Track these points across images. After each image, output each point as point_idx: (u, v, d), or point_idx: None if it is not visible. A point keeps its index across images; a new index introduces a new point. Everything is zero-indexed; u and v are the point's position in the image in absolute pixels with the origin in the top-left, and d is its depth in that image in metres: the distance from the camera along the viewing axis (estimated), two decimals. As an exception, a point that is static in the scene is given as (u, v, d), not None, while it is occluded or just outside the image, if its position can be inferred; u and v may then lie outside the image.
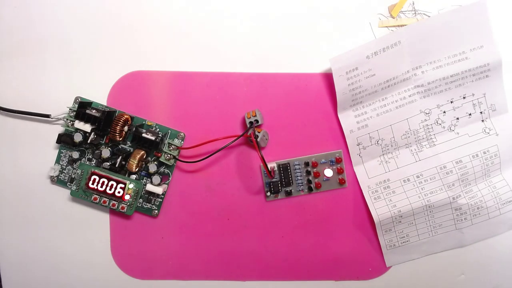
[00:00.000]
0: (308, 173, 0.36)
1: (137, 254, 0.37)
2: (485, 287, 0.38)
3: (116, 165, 0.34)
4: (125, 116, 0.34)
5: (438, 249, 0.37)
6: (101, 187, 0.34)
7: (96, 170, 0.34)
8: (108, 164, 0.35)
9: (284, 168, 0.35)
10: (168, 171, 0.36)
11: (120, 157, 0.34)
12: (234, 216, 0.36)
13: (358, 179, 0.36)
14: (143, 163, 0.35)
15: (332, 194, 0.36)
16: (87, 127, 0.34)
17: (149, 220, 0.37)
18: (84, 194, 0.35)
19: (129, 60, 0.36)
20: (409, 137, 0.35)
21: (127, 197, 0.34)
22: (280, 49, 0.35)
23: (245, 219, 0.36)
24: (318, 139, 0.36)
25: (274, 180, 0.35)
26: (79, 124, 0.34)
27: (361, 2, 0.35)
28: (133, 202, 0.34)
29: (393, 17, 0.35)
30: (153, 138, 0.34)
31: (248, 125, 0.34)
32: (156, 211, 0.36)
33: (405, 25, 0.35)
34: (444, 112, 0.35)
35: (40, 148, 0.36)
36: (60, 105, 0.35)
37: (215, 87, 0.36)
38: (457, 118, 0.35)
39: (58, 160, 0.36)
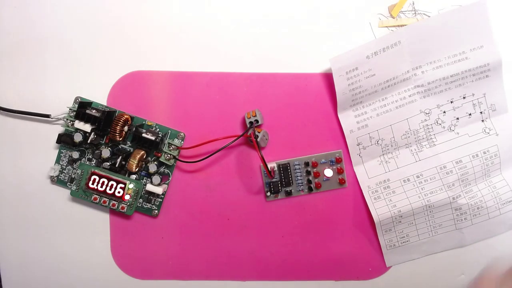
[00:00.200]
0: (308, 173, 0.36)
1: (137, 254, 0.37)
2: (485, 287, 0.38)
3: (116, 165, 0.34)
4: (125, 116, 0.34)
5: (438, 249, 0.37)
6: (101, 187, 0.34)
7: (96, 170, 0.34)
8: (108, 164, 0.35)
9: (284, 168, 0.35)
10: (168, 171, 0.36)
11: (120, 157, 0.34)
12: (234, 216, 0.36)
13: (358, 179, 0.36)
14: (143, 163, 0.35)
15: (332, 194, 0.36)
16: (87, 127, 0.34)
17: (149, 220, 0.37)
18: (84, 194, 0.35)
19: (129, 60, 0.36)
20: (409, 137, 0.35)
21: (127, 197, 0.34)
22: (280, 49, 0.35)
23: (245, 219, 0.36)
24: (318, 139, 0.36)
25: (274, 180, 0.35)
26: (79, 124, 0.34)
27: (361, 2, 0.35)
28: (133, 202, 0.34)
29: (393, 17, 0.35)
30: (153, 138, 0.34)
31: (248, 125, 0.34)
32: (156, 211, 0.36)
33: (405, 25, 0.35)
34: (444, 112, 0.35)
35: (40, 148, 0.36)
36: (60, 105, 0.35)
37: (215, 87, 0.36)
38: (457, 118, 0.35)
39: (58, 160, 0.36)
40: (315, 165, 0.36)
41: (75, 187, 0.36)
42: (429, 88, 0.34)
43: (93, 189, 0.34)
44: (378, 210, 0.36)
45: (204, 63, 0.36)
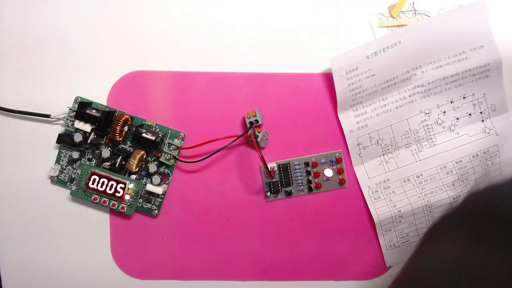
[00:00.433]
0: (308, 173, 0.36)
1: (137, 254, 0.37)
2: (485, 287, 0.38)
3: (116, 165, 0.34)
4: (125, 116, 0.34)
5: (438, 249, 0.37)
6: (101, 187, 0.34)
7: (96, 170, 0.34)
8: (108, 164, 0.35)
9: (284, 168, 0.35)
10: (168, 171, 0.36)
11: (120, 157, 0.34)
12: (234, 216, 0.36)
13: (358, 179, 0.36)
14: (143, 163, 0.35)
15: (332, 194, 0.36)
16: (87, 127, 0.34)
17: (149, 220, 0.37)
18: (84, 194, 0.35)
19: (129, 60, 0.36)
20: (409, 137, 0.35)
21: (127, 197, 0.34)
22: (280, 49, 0.35)
23: (245, 219, 0.36)
24: (318, 139, 0.36)
25: (274, 180, 0.35)
26: (79, 124, 0.34)
27: (361, 2, 0.35)
28: (133, 202, 0.34)
29: (393, 17, 0.35)
30: (153, 138, 0.34)
31: (248, 125, 0.34)
32: (156, 211, 0.36)
33: (405, 25, 0.35)
34: (444, 112, 0.35)
35: (40, 148, 0.36)
36: (60, 105, 0.35)
37: (215, 87, 0.36)
38: (457, 118, 0.35)
39: (58, 160, 0.36)
40: (315, 165, 0.36)
41: (75, 187, 0.36)
42: (429, 88, 0.34)
43: (93, 189, 0.34)
44: (378, 210, 0.36)
45: (204, 63, 0.36)
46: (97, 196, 0.34)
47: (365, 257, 0.37)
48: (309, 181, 0.36)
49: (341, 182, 0.36)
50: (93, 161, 0.36)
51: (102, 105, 0.36)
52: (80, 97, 0.35)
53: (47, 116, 0.35)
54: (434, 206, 0.36)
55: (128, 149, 0.36)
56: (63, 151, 0.36)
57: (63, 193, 0.37)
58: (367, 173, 0.36)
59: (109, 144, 0.35)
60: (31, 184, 0.37)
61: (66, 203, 0.37)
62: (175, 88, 0.36)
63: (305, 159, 0.36)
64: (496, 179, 0.36)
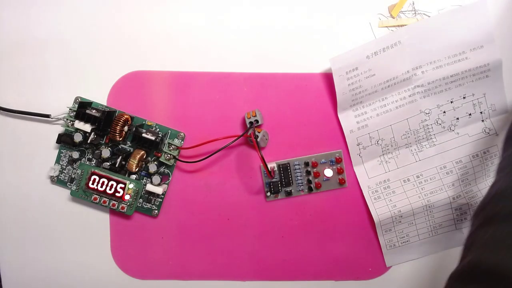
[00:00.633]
0: (308, 173, 0.36)
1: (137, 254, 0.37)
2: (485, 287, 0.38)
3: (116, 165, 0.34)
4: (125, 116, 0.34)
5: (438, 249, 0.37)
6: (101, 187, 0.34)
7: (96, 170, 0.34)
8: (108, 164, 0.35)
9: (284, 168, 0.35)
10: (168, 171, 0.36)
11: (120, 157, 0.34)
12: (234, 216, 0.36)
13: (358, 179, 0.36)
14: (143, 163, 0.35)
15: (332, 194, 0.36)
16: (87, 127, 0.34)
17: (149, 220, 0.37)
18: (84, 194, 0.35)
19: (129, 60, 0.36)
20: (409, 137, 0.35)
21: (127, 197, 0.34)
22: (280, 49, 0.35)
23: (245, 219, 0.36)
24: (318, 139, 0.36)
25: (274, 180, 0.35)
26: (79, 124, 0.34)
27: (361, 2, 0.35)
28: (133, 202, 0.34)
29: (393, 17, 0.35)
30: (153, 138, 0.34)
31: (248, 125, 0.34)
32: (156, 211, 0.36)
33: (405, 25, 0.35)
34: (444, 112, 0.35)
35: (40, 148, 0.36)
36: (60, 105, 0.35)
37: (215, 87, 0.36)
38: (457, 118, 0.35)
39: (58, 160, 0.36)
40: (315, 165, 0.36)
41: (75, 187, 0.36)
42: (429, 88, 0.34)
43: (93, 189, 0.34)
44: (378, 210, 0.36)
45: (204, 63, 0.36)
46: (97, 196, 0.34)
47: (365, 257, 0.37)
48: (309, 181, 0.36)
49: (341, 182, 0.36)
50: (93, 161, 0.36)
51: (102, 105, 0.35)
52: (80, 97, 0.35)
53: (47, 116, 0.35)
54: (434, 206, 0.36)
55: (128, 149, 0.36)
56: (63, 151, 0.36)
57: (63, 193, 0.37)
58: (367, 173, 0.36)
59: (109, 144, 0.35)
60: (31, 184, 0.37)
61: (66, 203, 0.37)
62: (175, 88, 0.36)
63: (305, 159, 0.36)
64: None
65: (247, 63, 0.36)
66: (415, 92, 0.34)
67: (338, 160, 0.36)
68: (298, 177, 0.36)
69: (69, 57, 0.36)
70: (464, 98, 0.35)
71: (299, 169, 0.36)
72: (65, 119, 0.35)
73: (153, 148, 0.34)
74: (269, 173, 0.34)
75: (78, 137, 0.34)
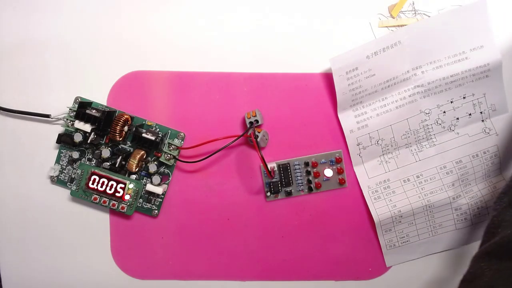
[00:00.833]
0: (308, 173, 0.36)
1: (137, 254, 0.37)
2: (485, 287, 0.38)
3: (116, 165, 0.34)
4: (125, 116, 0.34)
5: (438, 249, 0.37)
6: (101, 187, 0.34)
7: (96, 170, 0.34)
8: (108, 164, 0.35)
9: (284, 168, 0.35)
10: (168, 171, 0.36)
11: (120, 157, 0.34)
12: (234, 216, 0.36)
13: (358, 179, 0.36)
14: (143, 163, 0.35)
15: (332, 194, 0.36)
16: (87, 127, 0.34)
17: (149, 220, 0.37)
18: (84, 194, 0.35)
19: (129, 60, 0.36)
20: (409, 137, 0.35)
21: (127, 197, 0.34)
22: (280, 49, 0.35)
23: (245, 219, 0.36)
24: (318, 139, 0.36)
25: (274, 180, 0.35)
26: (79, 124, 0.34)
27: (361, 2, 0.35)
28: (133, 202, 0.34)
29: (393, 17, 0.35)
30: (153, 138, 0.34)
31: (248, 125, 0.34)
32: (156, 211, 0.36)
33: (405, 25, 0.35)
34: (444, 112, 0.35)
35: (40, 148, 0.36)
36: (60, 105, 0.35)
37: (215, 87, 0.36)
38: (457, 118, 0.35)
39: (58, 160, 0.36)
40: (315, 165, 0.36)
41: (75, 187, 0.36)
42: (429, 88, 0.34)
43: (93, 189, 0.34)
44: (378, 210, 0.36)
45: (204, 63, 0.36)
46: (97, 196, 0.34)
47: (365, 257, 0.37)
48: (309, 181, 0.36)
49: (341, 182, 0.36)
50: (93, 161, 0.36)
51: (102, 105, 0.35)
52: (80, 97, 0.35)
53: (47, 116, 0.35)
54: (434, 206, 0.36)
55: (128, 149, 0.36)
56: (63, 151, 0.36)
57: (63, 193, 0.37)
58: (367, 173, 0.36)
59: (109, 144, 0.35)
60: (31, 184, 0.37)
61: (66, 203, 0.37)
62: (175, 88, 0.36)
63: (305, 159, 0.36)
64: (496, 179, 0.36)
65: (247, 63, 0.35)
66: (415, 92, 0.34)
67: (338, 160, 0.36)
68: (298, 177, 0.36)
69: (69, 57, 0.36)
70: (464, 98, 0.35)
71: (299, 169, 0.36)
72: (65, 119, 0.35)
73: (153, 148, 0.34)
74: (269, 173, 0.34)
75: (78, 137, 0.34)
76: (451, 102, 0.35)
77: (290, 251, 0.37)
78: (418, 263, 0.37)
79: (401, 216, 0.36)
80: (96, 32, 0.36)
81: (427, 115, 0.35)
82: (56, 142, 0.35)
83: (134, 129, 0.34)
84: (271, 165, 0.35)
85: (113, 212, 0.37)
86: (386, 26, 0.35)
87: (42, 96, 0.36)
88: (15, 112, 0.35)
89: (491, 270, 0.25)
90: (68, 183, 0.36)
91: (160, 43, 0.36)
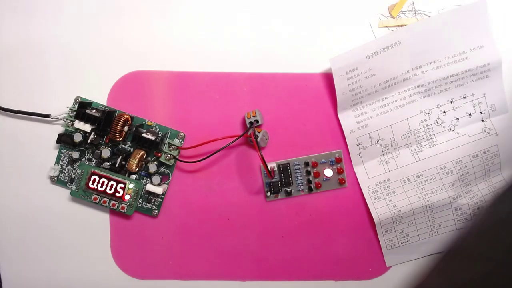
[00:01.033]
0: (308, 173, 0.36)
1: (137, 254, 0.37)
2: (485, 287, 0.38)
3: (116, 165, 0.34)
4: (125, 116, 0.34)
5: (438, 249, 0.37)
6: (101, 187, 0.34)
7: (96, 170, 0.34)
8: (108, 164, 0.35)
9: (284, 168, 0.35)
10: (168, 171, 0.36)
11: (120, 157, 0.34)
12: (234, 216, 0.36)
13: (358, 179, 0.36)
14: (143, 163, 0.35)
15: (332, 194, 0.36)
16: (87, 127, 0.34)
17: (149, 220, 0.37)
18: (84, 194, 0.35)
19: (129, 60, 0.36)
20: (409, 137, 0.35)
21: (127, 197, 0.34)
22: (280, 49, 0.35)
23: (245, 219, 0.36)
24: (318, 139, 0.36)
25: (274, 180, 0.35)
26: (79, 124, 0.34)
27: (361, 2, 0.35)
28: (133, 202, 0.34)
29: (393, 17, 0.35)
30: (153, 138, 0.34)
31: (248, 125, 0.34)
32: (156, 211, 0.36)
33: (405, 25, 0.35)
34: (444, 112, 0.35)
35: (40, 148, 0.36)
36: (60, 105, 0.35)
37: (215, 87, 0.36)
38: (457, 118, 0.35)
39: (58, 160, 0.36)
40: (315, 165, 0.36)
41: (75, 187, 0.36)
42: (429, 88, 0.34)
43: (93, 189, 0.34)
44: (378, 210, 0.36)
45: (204, 63, 0.36)
46: (97, 196, 0.34)
47: (365, 257, 0.37)
48: (309, 181, 0.36)
49: (341, 182, 0.36)
50: (93, 161, 0.36)
51: (102, 105, 0.36)
52: (80, 97, 0.35)
53: (47, 116, 0.35)
54: (434, 206, 0.36)
55: (128, 149, 0.36)
56: (63, 151, 0.36)
57: (63, 193, 0.37)
58: (367, 173, 0.36)
59: (109, 144, 0.35)
60: (31, 184, 0.37)
61: (66, 203, 0.37)
62: (175, 88, 0.36)
63: (305, 159, 0.36)
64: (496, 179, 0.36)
65: (247, 63, 0.36)
66: (415, 92, 0.34)
67: (338, 160, 0.36)
68: (298, 177, 0.36)
69: (69, 57, 0.36)
70: (464, 98, 0.35)
71: (299, 169, 0.36)
72: (65, 119, 0.35)
73: (153, 148, 0.34)
74: (269, 173, 0.34)
75: (78, 137, 0.34)
76: (451, 102, 0.35)
77: (290, 251, 0.37)
78: (418, 263, 0.37)
79: (401, 216, 0.36)
80: (96, 32, 0.36)
81: (427, 115, 0.35)
82: (56, 142, 0.35)
83: (134, 129, 0.34)
84: (271, 165, 0.35)
85: (113, 212, 0.37)
86: (386, 26, 0.35)
87: (42, 96, 0.36)
88: (15, 112, 0.35)
89: None
90: (68, 183, 0.36)
91: (160, 43, 0.36)
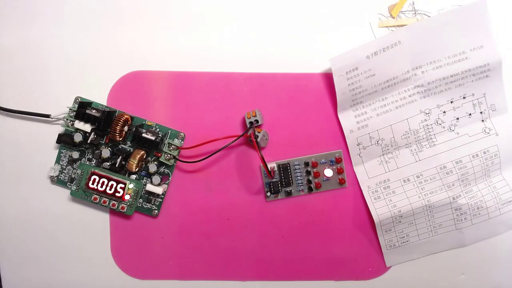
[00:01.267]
0: (308, 173, 0.36)
1: (137, 254, 0.37)
2: (485, 287, 0.38)
3: (116, 165, 0.34)
4: (125, 116, 0.34)
5: (438, 249, 0.37)
6: (101, 187, 0.34)
7: (96, 170, 0.34)
8: (108, 164, 0.35)
9: (284, 168, 0.35)
10: (168, 171, 0.36)
11: (120, 157, 0.34)
12: (234, 216, 0.36)
13: (358, 179, 0.36)
14: (143, 163, 0.35)
15: (332, 194, 0.36)
16: (87, 127, 0.34)
17: (149, 220, 0.37)
18: (84, 194, 0.35)
19: (129, 60, 0.36)
20: (409, 137, 0.35)
21: (127, 197, 0.34)
22: (280, 49, 0.35)
23: (245, 219, 0.36)
24: (318, 139, 0.36)
25: (274, 180, 0.35)
26: (79, 124, 0.34)
27: (361, 2, 0.35)
28: (133, 202, 0.34)
29: (393, 17, 0.35)
30: (153, 138, 0.34)
31: (248, 125, 0.34)
32: (156, 211, 0.36)
33: (405, 25, 0.35)
34: (444, 112, 0.35)
35: (40, 148, 0.36)
36: (60, 105, 0.35)
37: (215, 87, 0.36)
38: (457, 118, 0.35)
39: (58, 160, 0.36)
40: (315, 165, 0.36)
41: (75, 187, 0.36)
42: (429, 88, 0.34)
43: (93, 189, 0.34)
44: (378, 210, 0.36)
45: (204, 63, 0.36)
46: (97, 196, 0.34)
47: (365, 257, 0.37)
48: (309, 181, 0.36)
49: (341, 182, 0.36)
50: (93, 161, 0.36)
51: (102, 105, 0.36)
52: (80, 97, 0.35)
53: (47, 116, 0.35)
54: (434, 206, 0.36)
55: (128, 149, 0.36)
56: (63, 151, 0.36)
57: (63, 193, 0.37)
58: (367, 173, 0.36)
59: (109, 144, 0.35)
60: (31, 184, 0.37)
61: (66, 203, 0.37)
62: (175, 88, 0.36)
63: (305, 159, 0.36)
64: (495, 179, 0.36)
65: (247, 63, 0.36)
66: (415, 92, 0.34)
67: (338, 160, 0.36)
68: (298, 177, 0.36)
69: (69, 57, 0.36)
70: (464, 98, 0.35)
71: (299, 169, 0.36)
72: (65, 119, 0.35)
73: (153, 148, 0.34)
74: (269, 173, 0.34)
75: (78, 137, 0.34)
76: (451, 102, 0.35)
77: (290, 251, 0.37)
78: (418, 263, 0.37)
79: (401, 216, 0.36)
80: (96, 32, 0.36)
81: (427, 115, 0.35)
82: (56, 142, 0.35)
83: (134, 129, 0.34)
84: (271, 165, 0.36)
85: (113, 212, 0.37)
86: (386, 26, 0.35)
87: (42, 96, 0.36)
88: (15, 112, 0.35)
89: None
90: (68, 183, 0.36)
91: (160, 43, 0.36)
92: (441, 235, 0.37)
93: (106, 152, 0.34)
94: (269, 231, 0.37)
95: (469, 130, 0.35)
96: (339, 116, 0.35)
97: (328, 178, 0.36)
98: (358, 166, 0.36)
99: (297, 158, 0.36)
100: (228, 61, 0.36)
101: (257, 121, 0.34)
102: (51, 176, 0.36)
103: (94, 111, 0.34)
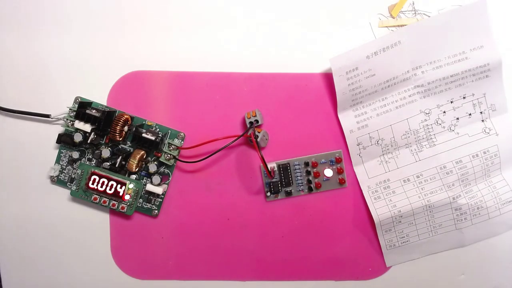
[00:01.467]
0: (308, 173, 0.36)
1: (137, 254, 0.37)
2: (485, 287, 0.38)
3: (116, 165, 0.34)
4: (125, 116, 0.34)
5: (438, 249, 0.37)
6: (101, 187, 0.34)
7: (96, 170, 0.34)
8: (108, 164, 0.35)
9: (284, 168, 0.35)
10: (168, 171, 0.36)
11: (120, 157, 0.34)
12: (234, 216, 0.36)
13: (358, 179, 0.36)
14: (143, 163, 0.35)
15: (332, 194, 0.36)
16: (87, 127, 0.34)
17: (149, 220, 0.37)
18: (84, 194, 0.35)
19: (129, 60, 0.36)
20: (409, 137, 0.35)
21: (127, 197, 0.34)
22: (280, 49, 0.35)
23: (245, 219, 0.36)
24: (318, 139, 0.36)
25: (274, 180, 0.35)
26: (79, 124, 0.34)
27: (361, 2, 0.35)
28: (133, 202, 0.34)
29: (393, 17, 0.35)
30: (153, 138, 0.34)
31: (248, 125, 0.34)
32: (156, 211, 0.36)
33: (405, 25, 0.35)
34: (444, 112, 0.35)
35: (40, 148, 0.36)
36: (60, 105, 0.35)
37: (215, 87, 0.36)
38: (457, 118, 0.35)
39: (58, 160, 0.36)
40: (315, 165, 0.36)
41: (75, 187, 0.36)
42: (429, 88, 0.34)
43: (93, 189, 0.34)
44: (378, 210, 0.36)
45: (204, 63, 0.36)
46: (97, 196, 0.34)
47: (365, 257, 0.37)
48: (309, 181, 0.36)
49: (341, 182, 0.36)
50: (93, 161, 0.36)
51: (102, 105, 0.36)
52: (80, 97, 0.35)
53: (47, 116, 0.35)
54: (434, 206, 0.36)
55: (128, 149, 0.36)
56: (63, 151, 0.36)
57: (63, 193, 0.37)
58: (367, 173, 0.36)
59: (109, 144, 0.35)
60: (31, 184, 0.37)
61: (66, 203, 0.37)
62: (175, 88, 0.36)
63: (305, 159, 0.36)
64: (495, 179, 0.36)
65: (247, 63, 0.36)
66: (415, 92, 0.34)
67: (338, 160, 0.36)
68: (298, 177, 0.36)
69: (69, 57, 0.36)
70: (464, 98, 0.35)
71: (299, 169, 0.36)
72: (65, 119, 0.35)
73: (153, 148, 0.34)
74: (269, 173, 0.34)
75: (78, 137, 0.34)
76: (451, 102, 0.35)
77: (290, 251, 0.37)
78: (418, 263, 0.37)
79: (401, 216, 0.36)
80: (96, 32, 0.36)
81: (427, 115, 0.35)
82: (56, 142, 0.35)
83: (134, 129, 0.34)
84: (271, 165, 0.36)
85: (113, 212, 0.37)
86: (386, 26, 0.35)
87: (42, 96, 0.36)
88: (15, 112, 0.35)
89: None
90: (68, 183, 0.36)
91: (160, 43, 0.36)
92: (441, 235, 0.37)
93: (106, 152, 0.34)
94: (269, 231, 0.37)
95: (469, 130, 0.35)
96: (339, 116, 0.35)
97: (328, 178, 0.36)
98: (358, 166, 0.36)
99: (297, 158, 0.36)
100: (228, 61, 0.36)
101: (257, 121, 0.34)
102: (51, 176, 0.36)
103: (94, 111, 0.34)
